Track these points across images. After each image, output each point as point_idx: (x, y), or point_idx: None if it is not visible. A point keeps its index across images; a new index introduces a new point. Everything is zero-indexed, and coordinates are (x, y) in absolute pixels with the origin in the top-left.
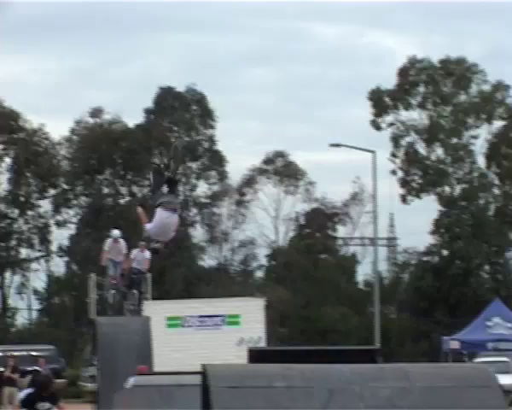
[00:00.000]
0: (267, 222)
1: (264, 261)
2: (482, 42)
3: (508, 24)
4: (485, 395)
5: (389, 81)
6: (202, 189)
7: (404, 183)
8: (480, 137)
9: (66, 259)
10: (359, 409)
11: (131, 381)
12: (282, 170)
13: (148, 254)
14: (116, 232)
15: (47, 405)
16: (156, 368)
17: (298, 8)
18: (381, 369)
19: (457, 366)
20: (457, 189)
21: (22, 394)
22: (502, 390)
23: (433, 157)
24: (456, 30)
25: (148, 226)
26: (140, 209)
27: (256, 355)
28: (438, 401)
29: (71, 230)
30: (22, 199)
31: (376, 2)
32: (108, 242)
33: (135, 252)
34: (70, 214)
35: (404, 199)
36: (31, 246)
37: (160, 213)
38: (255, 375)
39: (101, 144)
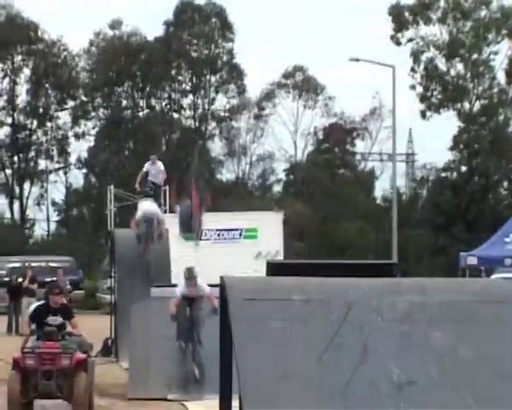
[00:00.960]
0: (286, 136)
1: (282, 176)
2: None
3: None
4: (502, 309)
5: None
6: (221, 102)
7: (424, 98)
8: (501, 53)
9: (84, 171)
10: (376, 322)
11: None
12: (302, 84)
13: (161, 165)
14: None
15: (59, 319)
16: (173, 281)
17: None
18: (398, 283)
19: (474, 281)
20: (477, 105)
21: (32, 306)
22: None
23: (452, 73)
24: None
25: None
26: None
27: (274, 268)
28: (455, 315)
29: (90, 142)
30: (41, 110)
31: None
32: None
33: (147, 165)
34: (89, 126)
35: (423, 115)
36: (49, 158)
37: None
38: (273, 288)
39: (120, 57)
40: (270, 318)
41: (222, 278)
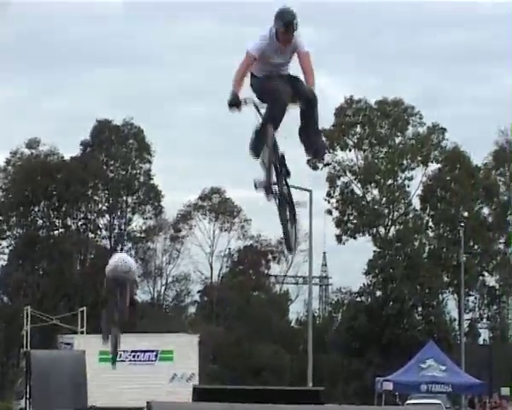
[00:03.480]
0: (202, 258)
1: (197, 297)
2: (414, 85)
3: (439, 68)
4: None
5: (323, 121)
6: (137, 223)
7: (340, 223)
8: (416, 179)
9: None
10: None
11: None
12: (218, 207)
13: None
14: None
15: None
16: (90, 402)
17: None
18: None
19: (403, 409)
20: (392, 230)
21: None
22: None
23: (368, 198)
24: (388, 73)
25: None
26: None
27: (201, 393)
28: None
29: (3, 261)
30: None
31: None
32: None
33: None
34: (3, 245)
35: (339, 239)
36: None
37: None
38: None
39: (37, 176)
40: None
41: (148, 403)
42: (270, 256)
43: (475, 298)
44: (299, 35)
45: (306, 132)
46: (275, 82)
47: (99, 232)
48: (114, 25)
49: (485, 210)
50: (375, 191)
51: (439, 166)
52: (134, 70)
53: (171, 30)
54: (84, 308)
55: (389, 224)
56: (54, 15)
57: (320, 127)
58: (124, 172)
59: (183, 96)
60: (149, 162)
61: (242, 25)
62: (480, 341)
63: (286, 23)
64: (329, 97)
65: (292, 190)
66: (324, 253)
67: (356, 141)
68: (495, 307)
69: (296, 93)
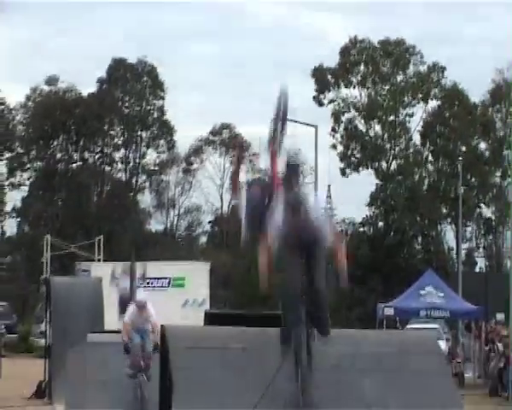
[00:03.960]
0: (213, 190)
1: (208, 227)
2: (413, 25)
3: (439, 8)
4: (431, 360)
5: (328, 60)
6: (151, 157)
7: (344, 157)
8: (416, 116)
9: (18, 219)
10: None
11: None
12: (228, 141)
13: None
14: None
15: None
16: (106, 327)
17: None
18: (331, 334)
19: (403, 333)
20: (394, 164)
21: None
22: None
23: (371, 133)
24: (388, 12)
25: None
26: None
27: (212, 318)
28: (385, 365)
29: (24, 192)
30: None
31: None
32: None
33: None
34: (24, 177)
35: (343, 172)
36: None
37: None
38: (212, 336)
39: (56, 111)
40: (209, 366)
41: (163, 326)
42: None
43: (472, 228)
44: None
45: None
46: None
47: (115, 165)
48: None
49: (483, 145)
50: (378, 127)
51: (438, 103)
52: (148, 9)
53: None
54: (101, 237)
55: (391, 158)
56: None
57: (325, 66)
58: (138, 108)
59: (196, 35)
60: (162, 99)
61: None
62: (477, 269)
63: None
64: (333, 36)
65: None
66: (329, 185)
67: (360, 79)
68: (491, 237)
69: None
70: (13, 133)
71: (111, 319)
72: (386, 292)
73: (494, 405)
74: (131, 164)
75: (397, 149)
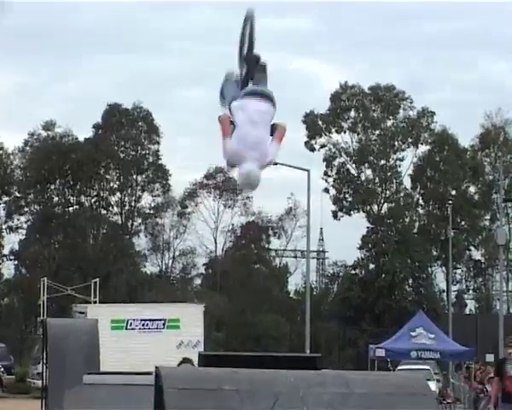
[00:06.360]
0: (207, 233)
1: (202, 270)
2: (402, 71)
3: (425, 55)
4: (422, 401)
5: (319, 106)
6: (147, 200)
7: (336, 200)
8: (407, 160)
9: (15, 262)
10: None
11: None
12: (222, 185)
13: None
14: None
15: None
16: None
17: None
18: (322, 375)
19: (393, 374)
20: (384, 207)
21: None
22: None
23: (362, 177)
24: (376, 59)
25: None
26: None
27: (206, 359)
28: (375, 406)
29: (22, 235)
30: None
31: (299, 30)
32: None
33: None
34: (21, 220)
35: (335, 215)
36: None
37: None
38: (206, 378)
39: (53, 156)
40: (202, 407)
41: (157, 367)
42: (270, 231)
43: (462, 271)
44: None
45: None
46: None
47: (111, 209)
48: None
49: (472, 189)
50: (369, 171)
51: (428, 147)
52: (139, 57)
53: (172, 18)
54: (97, 279)
55: (382, 201)
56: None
57: (316, 112)
58: (134, 153)
59: (190, 80)
60: (158, 143)
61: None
62: (467, 311)
63: None
64: (323, 82)
65: None
66: (321, 228)
67: (350, 124)
68: (480, 279)
69: None
70: (10, 177)
71: (105, 360)
72: (378, 333)
73: None
74: (127, 207)
75: (388, 192)
